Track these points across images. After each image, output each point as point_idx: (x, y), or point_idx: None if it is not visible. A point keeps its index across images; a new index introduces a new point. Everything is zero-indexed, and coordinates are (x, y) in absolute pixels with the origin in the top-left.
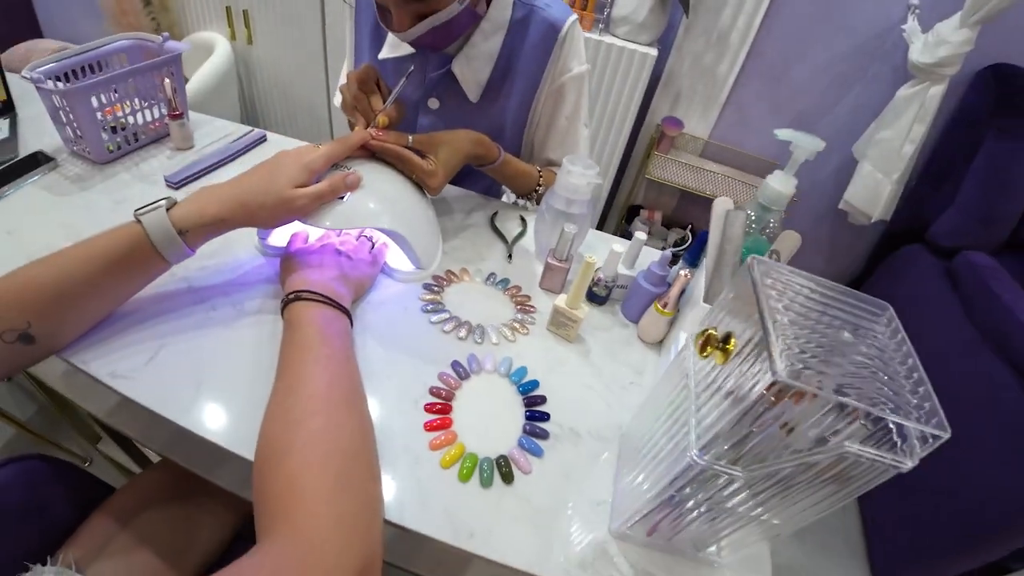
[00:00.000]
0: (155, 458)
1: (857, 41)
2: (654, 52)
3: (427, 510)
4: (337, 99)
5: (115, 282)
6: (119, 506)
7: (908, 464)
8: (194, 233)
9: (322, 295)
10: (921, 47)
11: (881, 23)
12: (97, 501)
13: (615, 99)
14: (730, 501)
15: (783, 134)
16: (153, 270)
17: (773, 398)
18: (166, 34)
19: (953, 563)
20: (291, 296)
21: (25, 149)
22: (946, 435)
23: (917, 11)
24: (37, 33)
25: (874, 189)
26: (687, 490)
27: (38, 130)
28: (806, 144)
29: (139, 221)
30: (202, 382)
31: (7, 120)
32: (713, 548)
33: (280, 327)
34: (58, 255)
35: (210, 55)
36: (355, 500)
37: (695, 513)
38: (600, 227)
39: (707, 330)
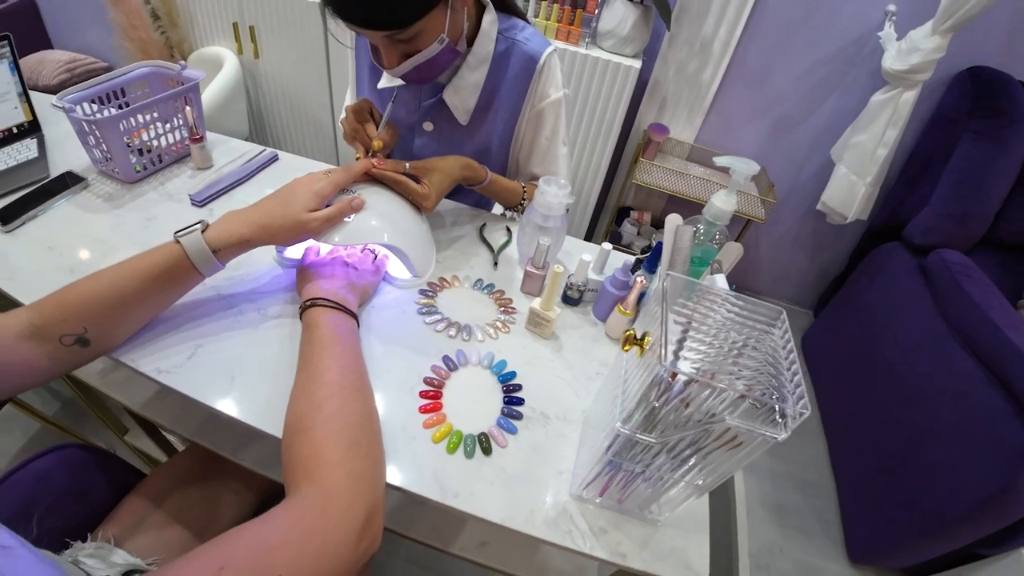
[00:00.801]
0: (180, 447)
1: (836, 48)
2: (638, 64)
3: (421, 475)
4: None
5: (158, 292)
6: (152, 487)
7: (781, 435)
8: (224, 251)
9: (333, 302)
10: (894, 54)
11: (859, 30)
12: (130, 485)
13: (603, 108)
14: (656, 463)
15: (721, 161)
16: (190, 282)
17: (669, 380)
18: (183, 63)
19: (924, 548)
20: (308, 303)
21: (54, 168)
22: (807, 412)
23: (894, 18)
24: (46, 44)
25: (849, 190)
26: (621, 455)
27: (64, 149)
28: (741, 168)
29: (179, 242)
30: (235, 375)
31: (34, 140)
32: (655, 508)
33: (298, 328)
34: (109, 270)
35: (218, 69)
36: (363, 462)
37: (632, 475)
38: (592, 228)
39: (629, 330)
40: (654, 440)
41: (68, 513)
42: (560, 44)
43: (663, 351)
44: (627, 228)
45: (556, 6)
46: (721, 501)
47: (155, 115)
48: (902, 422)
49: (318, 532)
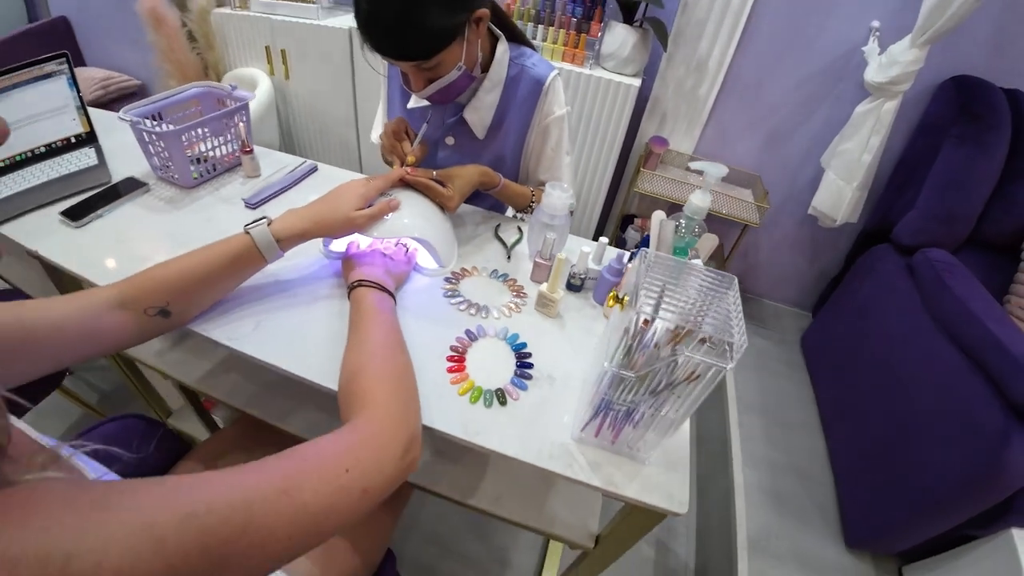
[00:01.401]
0: (223, 426)
1: (824, 63)
2: (638, 82)
3: (449, 419)
4: (375, 135)
5: (229, 275)
6: (204, 452)
7: (728, 365)
8: (285, 241)
9: (376, 283)
10: (876, 67)
11: (845, 45)
12: (182, 452)
13: (606, 123)
14: (638, 400)
15: (695, 165)
16: (255, 267)
17: (642, 325)
18: (234, 84)
19: (917, 530)
20: (355, 283)
21: (115, 174)
22: (745, 344)
23: (878, 33)
24: (79, 61)
25: (837, 195)
26: (610, 392)
27: (119, 158)
28: (712, 171)
29: (248, 233)
30: (292, 342)
31: (92, 148)
32: (642, 447)
33: (342, 306)
34: (189, 254)
35: (252, 88)
36: (404, 402)
37: (619, 416)
38: (598, 234)
39: (613, 291)
40: (633, 375)
41: (129, 475)
42: (566, 65)
43: (636, 302)
44: (631, 234)
45: (562, 31)
46: (721, 488)
47: (206, 130)
48: (892, 411)
49: (372, 446)
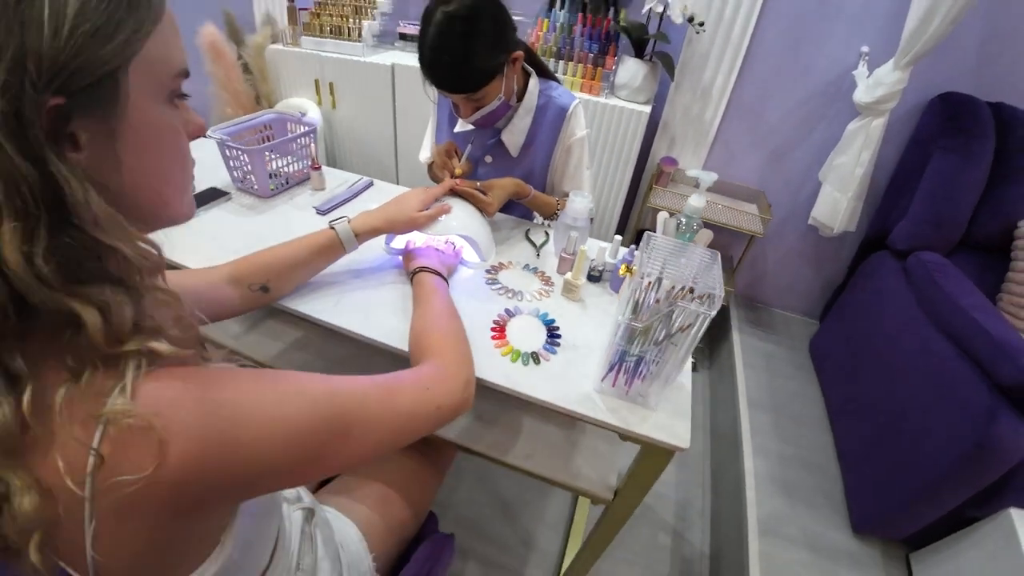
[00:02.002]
0: None
1: (818, 86)
2: (648, 109)
3: (495, 373)
4: (423, 156)
5: (316, 260)
6: None
7: (710, 312)
8: (362, 235)
9: (434, 269)
10: (864, 89)
11: (837, 69)
12: None
13: (620, 146)
14: (646, 351)
15: (692, 172)
16: (336, 256)
17: (646, 285)
18: (304, 112)
19: (919, 512)
20: (416, 269)
21: (197, 184)
22: (720, 294)
23: (867, 57)
24: None
25: (833, 206)
26: (623, 342)
27: (198, 170)
28: (705, 178)
29: (333, 228)
30: (368, 314)
31: None
32: (651, 396)
33: (403, 289)
34: (284, 244)
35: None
36: (461, 352)
37: (631, 367)
38: None
39: (625, 263)
40: (640, 325)
41: None
42: (584, 95)
43: (642, 267)
44: None
45: (581, 65)
46: (733, 478)
47: (278, 152)
48: (891, 402)
49: (442, 376)
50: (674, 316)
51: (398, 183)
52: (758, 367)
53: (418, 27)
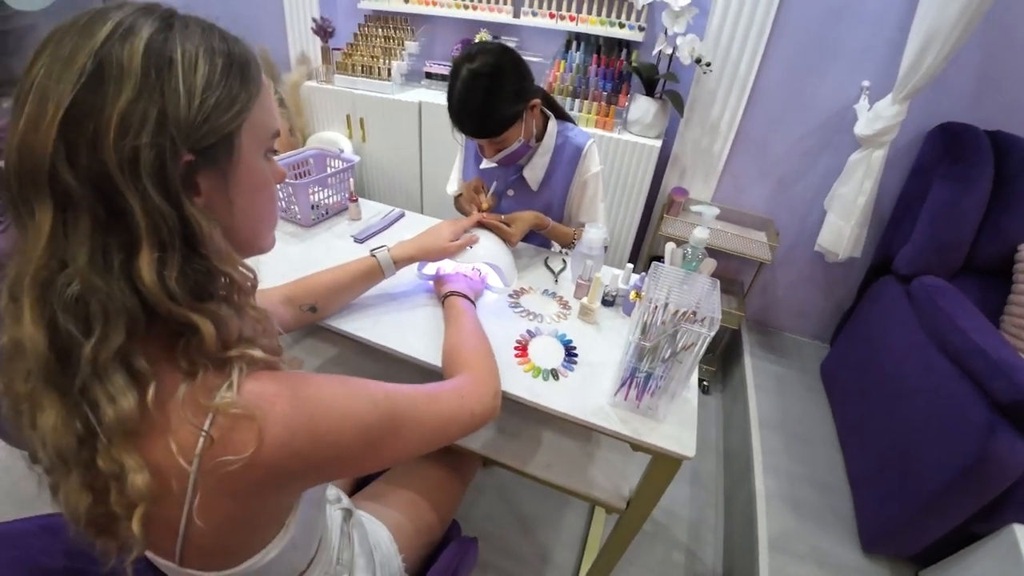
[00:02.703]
0: None
1: (821, 119)
2: (659, 144)
3: (519, 386)
4: (451, 189)
5: (358, 285)
6: None
7: (710, 333)
8: (399, 263)
9: (463, 293)
10: (864, 122)
11: (840, 103)
12: None
13: (633, 177)
14: (655, 367)
15: (696, 208)
16: (376, 280)
17: (653, 309)
18: (342, 148)
19: (925, 529)
20: (447, 293)
21: None
22: (718, 318)
23: (868, 90)
24: None
25: (838, 233)
26: (634, 359)
27: None
28: (708, 212)
29: (374, 255)
30: (403, 334)
31: None
32: (660, 409)
33: (435, 311)
34: (330, 270)
35: (335, 148)
36: (490, 366)
37: (641, 382)
38: None
39: (634, 290)
40: (648, 343)
41: None
42: (598, 131)
43: (651, 294)
44: None
45: (595, 103)
46: (744, 496)
47: (320, 185)
48: (897, 421)
49: (475, 387)
50: (678, 336)
51: (422, 211)
52: (770, 390)
53: (443, 66)
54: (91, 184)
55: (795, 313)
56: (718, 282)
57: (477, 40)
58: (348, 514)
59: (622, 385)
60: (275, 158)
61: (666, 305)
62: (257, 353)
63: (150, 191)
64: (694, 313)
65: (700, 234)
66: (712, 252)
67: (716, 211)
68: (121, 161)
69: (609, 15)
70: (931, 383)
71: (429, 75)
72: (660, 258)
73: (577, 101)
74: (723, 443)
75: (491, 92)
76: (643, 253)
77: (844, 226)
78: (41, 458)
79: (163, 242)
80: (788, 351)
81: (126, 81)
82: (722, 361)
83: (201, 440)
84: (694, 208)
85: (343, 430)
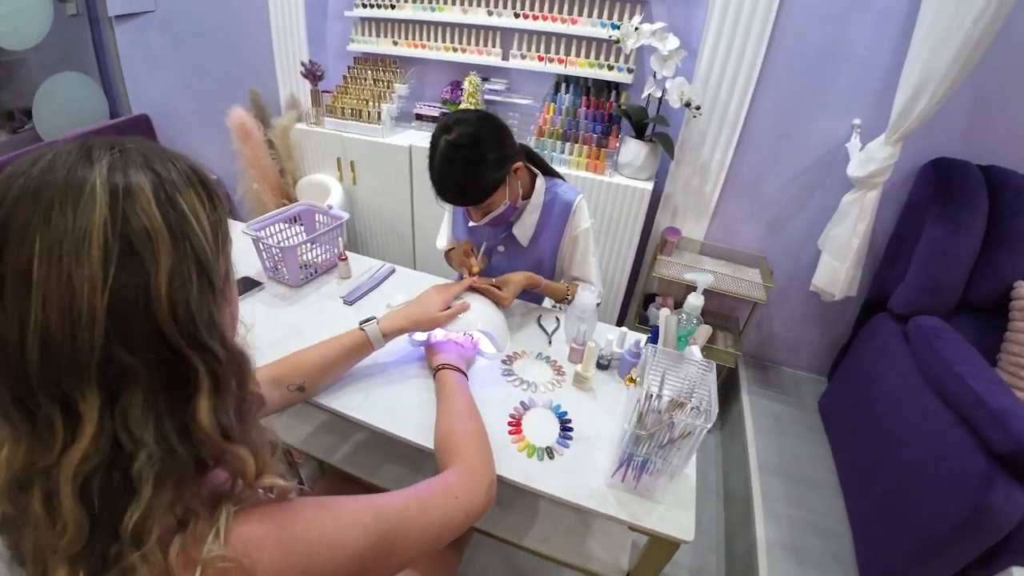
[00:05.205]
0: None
1: (812, 158)
2: (650, 186)
3: (511, 468)
4: (440, 244)
5: (346, 360)
6: None
7: (707, 425)
8: (389, 335)
9: (455, 366)
10: (856, 163)
11: (831, 142)
12: None
13: (626, 219)
14: (652, 452)
15: (688, 276)
16: (366, 354)
17: (649, 397)
18: (331, 204)
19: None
20: (439, 367)
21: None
22: (715, 410)
23: (859, 130)
24: None
25: (833, 274)
26: (630, 445)
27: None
28: (702, 279)
29: (363, 329)
30: (395, 411)
31: None
32: (657, 490)
33: (427, 384)
34: (318, 346)
35: (324, 192)
36: (484, 455)
37: (638, 465)
38: (623, 312)
39: (629, 375)
40: (644, 433)
41: None
42: (589, 175)
43: (645, 382)
44: (653, 312)
45: (586, 146)
46: (745, 544)
47: (313, 244)
48: (895, 463)
49: (469, 482)
50: (675, 426)
51: (415, 251)
52: (768, 428)
53: (433, 107)
54: (147, 356)
55: (791, 348)
56: (713, 364)
57: (462, 93)
58: None
59: (619, 467)
60: (263, 217)
61: (660, 396)
62: (280, 482)
63: (206, 340)
64: (689, 403)
65: (695, 300)
66: (706, 292)
67: (709, 279)
68: (177, 321)
69: (598, 57)
70: (928, 428)
71: (419, 116)
72: (654, 296)
73: (567, 144)
74: (723, 485)
75: (471, 163)
76: (637, 291)
77: (839, 267)
78: None
79: (219, 385)
80: (786, 386)
81: (160, 245)
82: (719, 397)
83: None
84: (687, 276)
85: (336, 564)
